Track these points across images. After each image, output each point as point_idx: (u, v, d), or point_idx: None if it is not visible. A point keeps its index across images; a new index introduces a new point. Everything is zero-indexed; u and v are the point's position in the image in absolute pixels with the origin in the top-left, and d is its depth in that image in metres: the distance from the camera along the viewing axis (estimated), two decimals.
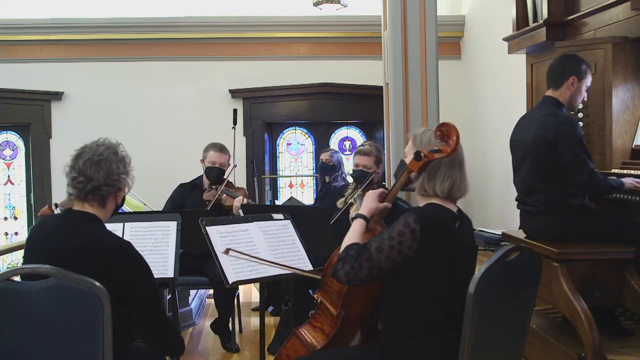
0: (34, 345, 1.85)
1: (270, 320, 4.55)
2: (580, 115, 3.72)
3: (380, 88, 5.03)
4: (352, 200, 3.70)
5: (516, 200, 3.48)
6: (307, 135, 7.61)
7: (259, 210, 3.79)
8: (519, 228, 3.59)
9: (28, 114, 7.03)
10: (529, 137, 3.28)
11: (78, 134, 7.21)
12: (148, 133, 6.99)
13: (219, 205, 4.17)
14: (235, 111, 5.72)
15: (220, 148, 4.31)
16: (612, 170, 3.49)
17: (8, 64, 6.99)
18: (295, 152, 7.62)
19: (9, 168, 7.26)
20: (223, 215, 4.04)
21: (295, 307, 3.49)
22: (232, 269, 2.63)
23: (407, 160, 2.14)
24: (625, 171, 3.40)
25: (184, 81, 7.11)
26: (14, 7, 6.92)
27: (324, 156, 4.98)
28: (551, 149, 3.14)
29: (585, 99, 3.38)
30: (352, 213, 3.35)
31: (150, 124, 7.04)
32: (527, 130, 3.33)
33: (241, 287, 4.78)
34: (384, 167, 4.20)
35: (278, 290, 4.42)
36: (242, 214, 3.96)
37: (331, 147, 7.23)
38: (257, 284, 4.41)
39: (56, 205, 2.34)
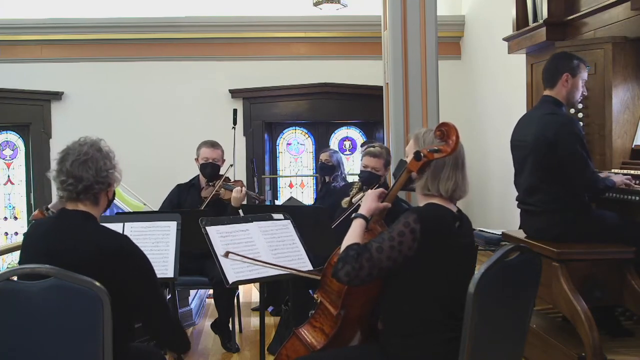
0: (34, 345, 1.85)
1: (270, 320, 4.55)
2: (580, 115, 3.71)
3: (380, 88, 5.03)
4: (360, 203, 3.70)
5: (517, 200, 3.48)
6: (307, 135, 7.61)
7: (259, 210, 3.79)
8: (519, 228, 3.58)
9: (28, 114, 7.03)
10: (529, 136, 3.28)
11: (78, 134, 7.20)
12: (148, 133, 7.00)
13: (218, 200, 4.17)
14: (235, 111, 5.72)
15: (212, 144, 4.31)
16: (612, 170, 3.49)
17: (8, 64, 7.00)
18: (295, 152, 7.62)
19: (9, 168, 7.27)
20: (223, 210, 4.05)
21: (295, 307, 3.48)
22: (232, 269, 2.63)
23: (407, 159, 2.14)
24: (625, 171, 3.40)
25: (184, 81, 7.11)
26: (14, 7, 6.93)
27: (323, 156, 4.98)
28: (552, 149, 3.14)
29: (585, 94, 3.37)
30: None
31: (150, 124, 7.04)
32: (527, 130, 3.33)
33: (241, 287, 4.78)
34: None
35: (278, 290, 4.42)
36: (241, 213, 3.96)
37: (331, 147, 7.24)
38: (257, 284, 4.41)
39: (47, 209, 2.32)
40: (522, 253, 2.01)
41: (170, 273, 2.74)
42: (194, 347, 4.13)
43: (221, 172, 4.30)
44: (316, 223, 3.35)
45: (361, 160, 4.01)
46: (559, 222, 3.21)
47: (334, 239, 3.04)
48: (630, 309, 3.26)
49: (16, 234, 7.22)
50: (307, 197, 7.53)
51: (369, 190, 2.26)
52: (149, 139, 6.97)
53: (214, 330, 4.12)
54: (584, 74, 3.31)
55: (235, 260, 2.64)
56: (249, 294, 5.43)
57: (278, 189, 7.59)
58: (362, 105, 7.17)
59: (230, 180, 4.28)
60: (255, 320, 4.66)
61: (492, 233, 4.77)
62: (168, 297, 3.89)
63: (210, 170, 4.25)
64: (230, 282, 2.60)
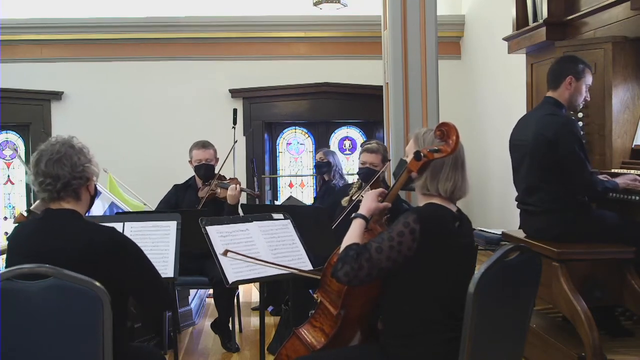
0: (33, 345, 1.85)
1: (270, 320, 4.54)
2: (580, 115, 3.71)
3: (380, 88, 5.03)
4: (360, 198, 3.70)
5: (516, 200, 3.48)
6: (307, 135, 7.61)
7: (259, 210, 3.79)
8: (519, 228, 3.58)
9: (28, 114, 7.04)
10: (529, 136, 3.28)
11: (78, 133, 7.20)
12: (148, 133, 7.00)
13: (214, 199, 4.19)
14: (235, 111, 5.72)
15: (203, 144, 4.33)
16: (612, 170, 3.49)
17: (8, 64, 6.99)
18: (295, 152, 7.62)
19: (9, 168, 7.27)
20: (220, 209, 4.06)
21: (295, 307, 3.48)
22: (232, 269, 2.63)
23: (407, 159, 2.14)
24: (625, 171, 3.40)
25: (184, 81, 7.12)
26: (14, 7, 6.92)
27: (317, 155, 5.04)
28: (552, 149, 3.14)
29: (588, 99, 3.37)
30: None
31: (150, 124, 7.04)
32: (527, 130, 3.33)
33: (241, 287, 4.78)
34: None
35: (278, 290, 4.42)
36: (241, 211, 3.96)
37: (331, 147, 7.27)
38: (257, 284, 4.42)
39: (29, 211, 2.29)
40: (522, 253, 2.01)
41: (170, 273, 2.73)
42: (194, 347, 4.13)
43: (217, 171, 4.31)
44: (316, 223, 3.35)
45: (359, 158, 4.02)
46: (559, 222, 3.21)
47: (334, 239, 3.04)
48: (630, 309, 3.26)
49: None
50: (307, 197, 7.53)
51: (369, 191, 2.25)
52: (149, 138, 6.97)
53: (214, 330, 4.12)
54: (589, 79, 3.30)
55: (235, 260, 2.64)
56: (249, 294, 5.43)
57: (278, 189, 7.59)
58: (362, 105, 7.17)
59: (225, 178, 4.30)
60: (255, 320, 4.66)
61: (492, 233, 4.77)
62: None
63: (204, 171, 4.28)
64: (230, 281, 2.59)
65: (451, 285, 2.02)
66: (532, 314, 2.13)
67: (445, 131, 2.07)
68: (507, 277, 1.97)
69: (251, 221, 2.87)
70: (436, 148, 2.06)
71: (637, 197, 3.17)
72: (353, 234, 2.09)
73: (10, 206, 7.26)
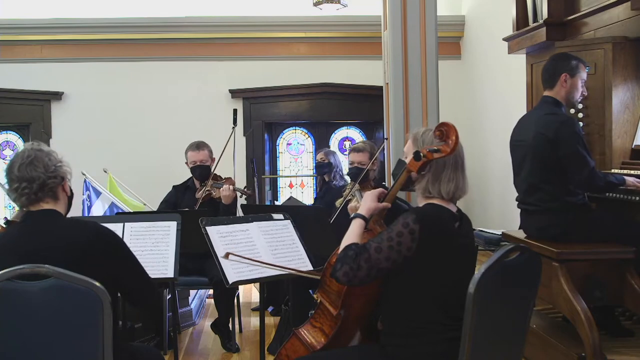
0: (33, 345, 1.85)
1: (270, 320, 4.54)
2: (580, 115, 3.71)
3: (380, 88, 5.03)
4: (350, 197, 3.71)
5: (517, 200, 3.48)
6: (307, 135, 7.61)
7: (259, 210, 3.79)
8: (519, 228, 3.58)
9: (28, 114, 7.03)
10: (529, 136, 3.28)
11: (78, 133, 7.28)
12: (148, 133, 7.00)
13: (211, 200, 4.20)
14: (235, 111, 5.72)
15: (197, 146, 4.34)
16: (612, 170, 3.49)
17: (8, 64, 7.00)
18: (295, 152, 7.62)
19: None
20: (216, 209, 4.07)
21: (295, 307, 3.48)
22: (232, 269, 2.63)
23: (407, 160, 2.14)
24: (625, 171, 3.40)
25: (184, 81, 7.11)
26: (14, 7, 6.93)
27: (318, 156, 5.03)
28: (552, 148, 3.14)
29: (585, 94, 3.38)
30: (352, 205, 3.37)
31: (150, 124, 7.04)
32: (527, 129, 3.33)
33: (241, 287, 4.78)
34: (384, 167, 4.20)
35: (278, 290, 4.42)
36: (239, 211, 3.97)
37: (331, 147, 7.26)
38: (257, 284, 4.42)
39: (8, 222, 2.26)
40: (522, 253, 2.00)
41: (170, 273, 2.74)
42: (194, 347, 4.14)
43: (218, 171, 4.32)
44: (316, 223, 3.35)
45: (348, 159, 4.06)
46: (559, 221, 3.21)
47: (334, 239, 3.04)
48: (630, 309, 3.26)
49: None
50: (307, 197, 7.53)
51: (369, 191, 2.25)
52: (149, 139, 6.97)
53: (214, 330, 4.12)
54: (583, 74, 3.31)
55: (235, 261, 2.64)
56: (249, 294, 5.43)
57: (278, 189, 7.59)
58: (362, 105, 7.17)
59: (221, 178, 4.31)
60: (255, 320, 4.66)
61: (492, 233, 4.77)
62: (168, 297, 3.91)
63: (200, 172, 4.30)
64: (230, 282, 2.59)
65: (451, 285, 2.02)
66: (532, 314, 2.13)
67: (445, 131, 2.07)
68: (507, 277, 1.97)
69: (251, 221, 2.87)
70: (436, 148, 2.06)
71: (637, 197, 3.17)
72: (352, 234, 2.09)
73: (10, 206, 7.25)
